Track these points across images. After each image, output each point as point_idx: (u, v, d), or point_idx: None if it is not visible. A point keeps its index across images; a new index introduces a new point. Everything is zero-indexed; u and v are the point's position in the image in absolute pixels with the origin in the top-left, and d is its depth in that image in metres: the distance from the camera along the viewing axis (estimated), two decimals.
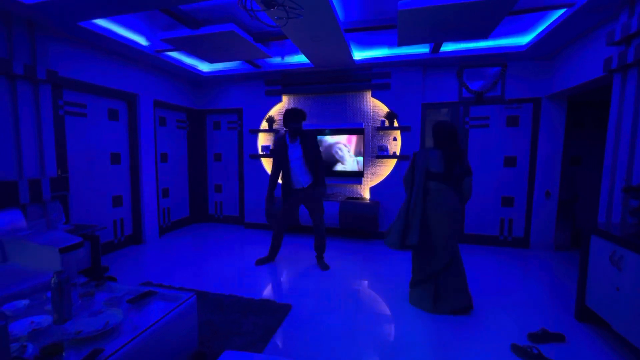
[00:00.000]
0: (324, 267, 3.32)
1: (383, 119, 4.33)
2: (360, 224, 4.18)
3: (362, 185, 4.54)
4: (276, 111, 4.83)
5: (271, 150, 3.28)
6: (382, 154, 4.34)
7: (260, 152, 4.90)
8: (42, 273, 2.16)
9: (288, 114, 3.17)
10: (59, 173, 3.13)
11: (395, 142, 4.34)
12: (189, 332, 1.77)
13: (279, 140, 3.32)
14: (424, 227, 2.43)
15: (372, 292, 2.80)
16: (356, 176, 4.41)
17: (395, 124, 4.25)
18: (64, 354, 1.22)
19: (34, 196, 2.77)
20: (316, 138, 3.33)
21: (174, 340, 1.63)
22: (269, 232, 4.83)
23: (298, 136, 3.24)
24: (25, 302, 1.62)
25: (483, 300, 2.62)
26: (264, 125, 4.87)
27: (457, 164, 2.38)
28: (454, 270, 2.41)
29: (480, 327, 2.22)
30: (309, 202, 3.32)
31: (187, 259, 3.65)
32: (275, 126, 4.83)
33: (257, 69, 4.40)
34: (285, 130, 3.38)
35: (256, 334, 2.06)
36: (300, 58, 4.22)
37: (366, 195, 4.53)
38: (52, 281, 1.46)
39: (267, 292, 2.79)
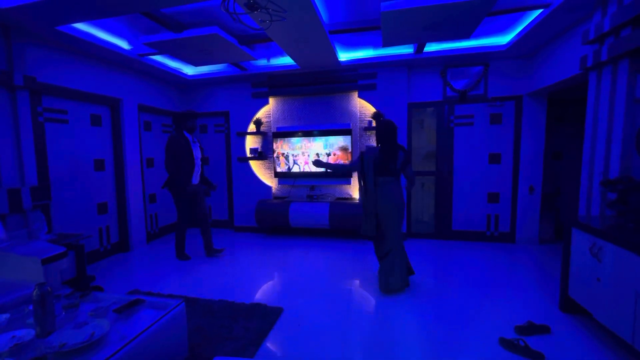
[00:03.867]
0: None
1: (370, 119, 4.37)
2: (350, 224, 4.20)
3: (351, 185, 4.56)
4: (263, 113, 4.81)
5: (171, 145, 3.50)
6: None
7: (248, 154, 4.87)
8: (24, 285, 2.10)
9: (188, 114, 3.56)
10: (40, 182, 3.04)
11: None
12: (179, 340, 1.75)
13: (180, 137, 3.53)
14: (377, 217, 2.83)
15: (363, 291, 2.82)
16: (345, 177, 4.43)
17: None
18: None
19: (13, 206, 2.69)
20: None
21: (163, 349, 1.61)
22: (259, 235, 4.80)
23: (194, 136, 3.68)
24: (5, 316, 1.57)
25: (472, 294, 2.67)
26: (252, 127, 4.84)
27: (394, 157, 2.71)
28: (397, 253, 2.74)
29: (469, 321, 2.27)
30: (201, 196, 3.74)
31: (175, 265, 3.60)
32: (262, 128, 4.82)
33: (243, 71, 4.38)
34: (174, 132, 3.68)
35: (247, 338, 2.05)
36: (286, 60, 4.22)
37: (355, 195, 4.55)
38: (34, 294, 1.42)
39: (258, 295, 2.78)
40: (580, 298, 2.17)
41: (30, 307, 1.68)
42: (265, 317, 2.33)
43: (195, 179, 3.68)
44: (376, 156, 2.73)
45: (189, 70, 4.59)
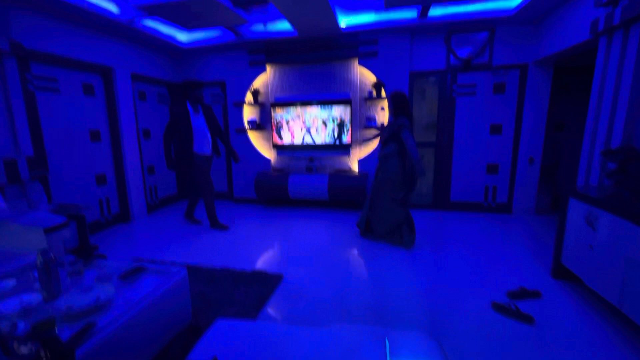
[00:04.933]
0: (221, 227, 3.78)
1: (370, 88, 4.26)
2: (349, 195, 4.22)
3: (350, 157, 4.53)
4: (261, 83, 4.68)
5: (171, 117, 3.47)
6: (370, 124, 4.30)
7: (246, 125, 4.79)
8: (27, 255, 2.14)
9: (190, 84, 3.42)
10: (36, 152, 3.01)
11: (382, 112, 4.30)
12: (182, 305, 1.81)
13: (179, 108, 3.45)
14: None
15: (361, 260, 2.88)
16: (344, 148, 4.39)
17: (383, 94, 4.19)
18: (56, 329, 1.24)
19: (11, 177, 2.68)
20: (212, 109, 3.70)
21: (167, 313, 1.67)
22: (259, 206, 4.84)
23: (199, 105, 3.53)
24: (12, 282, 1.61)
25: (467, 262, 2.74)
26: (249, 97, 4.73)
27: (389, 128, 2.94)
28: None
29: (464, 287, 2.34)
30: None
31: (177, 235, 3.66)
32: (260, 99, 4.71)
33: (239, 37, 4.20)
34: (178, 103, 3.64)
35: (249, 303, 2.13)
36: (284, 25, 4.04)
37: (355, 167, 4.54)
38: (38, 260, 1.44)
39: (258, 264, 2.85)
40: (572, 265, 2.23)
41: (36, 274, 1.72)
42: (265, 283, 2.40)
43: (206, 149, 3.61)
44: (409, 127, 2.91)
45: (182, 36, 4.40)
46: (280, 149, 4.67)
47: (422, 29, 3.93)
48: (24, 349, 0.72)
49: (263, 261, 2.92)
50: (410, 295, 2.27)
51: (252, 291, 2.28)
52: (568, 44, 3.00)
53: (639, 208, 1.74)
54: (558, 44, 3.18)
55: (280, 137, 4.60)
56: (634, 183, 2.05)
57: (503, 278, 2.46)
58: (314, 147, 4.49)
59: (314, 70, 4.45)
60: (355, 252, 3.06)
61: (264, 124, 4.78)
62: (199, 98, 3.49)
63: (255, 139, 4.89)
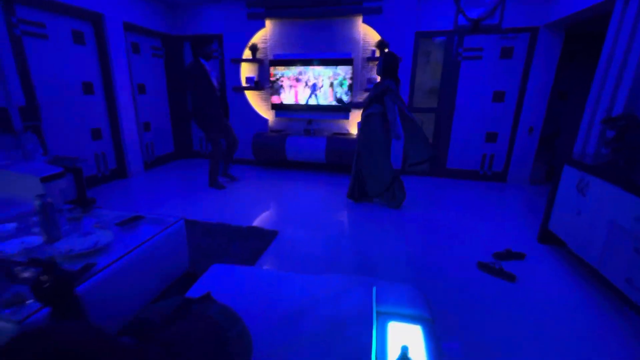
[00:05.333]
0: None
1: (374, 48, 4.09)
2: (346, 159, 4.21)
3: (349, 121, 4.47)
4: (260, 38, 4.48)
5: (191, 76, 3.33)
6: (370, 87, 4.19)
7: (244, 84, 4.66)
8: (26, 202, 2.16)
9: (203, 39, 3.34)
10: (28, 102, 2.94)
11: None
12: (179, 253, 1.87)
13: (198, 66, 3.33)
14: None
15: (354, 220, 2.95)
16: (343, 111, 4.31)
17: None
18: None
19: (3, 126, 2.63)
20: None
21: (164, 259, 1.73)
22: (256, 167, 4.85)
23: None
24: (13, 224, 1.64)
25: (458, 226, 2.82)
26: (247, 54, 4.54)
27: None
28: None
29: (453, 247, 2.43)
30: (227, 124, 3.77)
31: (174, 192, 3.70)
32: (259, 55, 4.53)
33: None
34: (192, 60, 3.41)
35: (244, 255, 2.20)
36: None
37: (353, 131, 4.49)
38: (35, 204, 1.47)
39: (255, 221, 2.91)
40: (558, 230, 2.30)
41: (35, 219, 1.75)
42: (261, 238, 2.47)
43: (221, 109, 3.61)
44: (396, 89, 2.92)
45: None
46: (278, 109, 4.58)
47: None
48: (25, 274, 0.75)
49: (259, 219, 2.98)
50: (399, 253, 2.36)
51: (247, 245, 2.35)
52: (582, 6, 2.85)
53: (631, 175, 1.76)
54: (572, 5, 3.02)
55: (279, 97, 4.49)
56: (630, 151, 2.06)
57: (491, 241, 2.55)
58: (313, 109, 4.41)
59: (315, 26, 4.24)
60: (348, 212, 3.13)
61: (262, 82, 4.64)
62: (209, 55, 3.39)
63: (253, 98, 4.77)
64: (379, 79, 3.07)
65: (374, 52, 4.08)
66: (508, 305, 1.79)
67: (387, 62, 2.93)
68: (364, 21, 4.04)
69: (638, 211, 1.56)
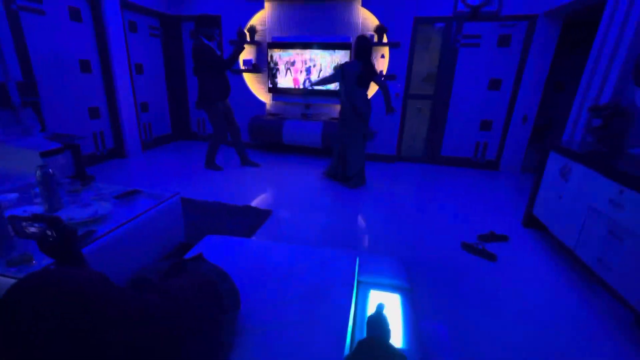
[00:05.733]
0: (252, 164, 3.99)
1: (372, 33, 4.08)
2: None
3: None
4: (258, 20, 4.45)
5: (210, 54, 3.33)
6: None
7: (242, 66, 4.65)
8: (24, 176, 2.22)
9: (206, 17, 3.30)
10: (25, 78, 2.95)
11: (382, 59, 4.18)
12: (175, 227, 1.95)
13: (207, 46, 3.33)
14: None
15: (345, 201, 3.03)
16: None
17: (385, 40, 4.03)
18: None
19: (2, 101, 2.66)
20: None
21: (161, 232, 1.81)
22: (253, 150, 4.89)
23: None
24: (15, 195, 1.71)
25: (446, 210, 2.91)
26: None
27: (372, 70, 3.11)
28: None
29: (440, 229, 2.52)
30: (230, 109, 3.73)
31: (172, 171, 3.76)
32: (257, 37, 4.51)
33: None
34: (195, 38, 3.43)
35: (239, 232, 2.29)
36: None
37: None
38: (37, 174, 1.53)
39: (250, 201, 2.99)
40: (541, 214, 2.40)
41: (36, 190, 1.81)
42: (255, 216, 2.55)
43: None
44: (360, 69, 3.05)
45: None
46: (276, 92, 4.59)
47: None
48: (32, 229, 0.82)
49: (254, 199, 3.06)
50: (387, 232, 2.45)
51: (243, 222, 2.44)
52: None
53: (612, 161, 1.84)
54: None
55: (277, 81, 4.49)
56: (613, 139, 2.12)
57: (476, 224, 2.64)
58: (310, 92, 4.42)
59: (314, 9, 4.21)
60: (340, 194, 3.20)
61: (260, 65, 4.63)
62: (211, 36, 3.35)
63: (250, 81, 4.77)
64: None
65: (372, 36, 4.07)
66: (487, 282, 1.89)
67: (360, 45, 3.07)
68: (363, 5, 4.01)
69: (613, 194, 1.65)
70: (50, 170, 1.55)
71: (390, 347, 0.72)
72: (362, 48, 3.06)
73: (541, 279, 1.95)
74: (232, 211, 2.63)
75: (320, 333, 0.99)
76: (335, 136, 3.46)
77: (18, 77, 2.79)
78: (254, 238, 2.27)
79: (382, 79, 3.98)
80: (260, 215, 2.58)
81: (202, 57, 3.30)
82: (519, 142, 4.11)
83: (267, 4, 4.34)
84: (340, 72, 3.17)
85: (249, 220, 2.47)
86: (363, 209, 2.91)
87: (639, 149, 1.91)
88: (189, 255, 1.35)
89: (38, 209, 1.59)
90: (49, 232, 0.81)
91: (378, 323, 0.85)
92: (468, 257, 2.15)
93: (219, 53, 3.45)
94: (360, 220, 2.69)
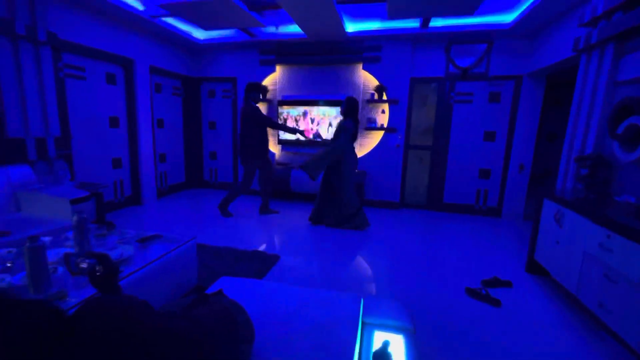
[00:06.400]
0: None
1: (373, 91, 4.50)
2: None
3: None
4: (270, 81, 4.95)
5: (261, 114, 3.84)
6: (371, 125, 4.54)
7: None
8: (55, 221, 2.41)
9: (258, 86, 3.78)
10: (62, 133, 3.30)
11: (383, 114, 4.54)
12: (190, 269, 2.07)
13: (256, 107, 3.80)
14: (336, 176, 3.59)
15: (351, 246, 3.12)
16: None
17: (384, 97, 4.43)
18: None
19: (40, 154, 2.97)
20: None
21: (177, 273, 1.93)
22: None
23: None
24: (48, 238, 1.88)
25: (451, 256, 2.97)
26: None
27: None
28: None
29: (445, 275, 2.57)
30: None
31: (185, 218, 3.93)
32: (268, 96, 4.97)
33: (252, 37, 4.47)
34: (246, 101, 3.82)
35: (249, 275, 2.38)
36: (295, 28, 4.30)
37: None
38: (73, 219, 1.71)
39: (259, 246, 3.10)
40: (542, 259, 2.46)
41: (68, 234, 1.98)
42: (264, 261, 2.65)
43: None
44: (354, 127, 3.55)
45: (199, 34, 4.68)
46: (284, 144, 4.93)
47: (424, 38, 4.17)
48: (83, 265, 0.97)
49: (263, 244, 3.17)
50: (392, 276, 2.51)
51: (252, 266, 2.53)
52: (556, 59, 3.22)
53: (597, 208, 1.96)
54: (547, 58, 3.40)
55: (285, 134, 4.85)
56: (600, 187, 2.27)
57: (481, 270, 2.69)
58: (316, 144, 4.74)
59: (320, 72, 4.71)
60: (345, 239, 3.30)
61: None
62: (257, 99, 3.80)
63: None
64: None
65: (372, 94, 4.49)
66: (491, 327, 1.91)
67: (349, 104, 3.52)
68: (364, 68, 4.49)
69: (601, 238, 1.75)
70: (84, 215, 1.74)
71: None
72: (353, 107, 3.52)
73: (546, 324, 1.97)
74: (242, 256, 2.73)
75: None
76: (322, 183, 3.72)
77: (57, 133, 3.13)
78: (263, 280, 2.34)
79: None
80: (269, 260, 2.67)
81: (254, 117, 3.72)
82: (518, 190, 4.26)
83: (278, 68, 4.86)
84: (348, 130, 3.53)
85: (258, 265, 2.57)
86: (368, 254, 2.99)
87: (624, 196, 2.04)
88: (209, 291, 1.46)
89: (70, 251, 1.74)
90: (97, 267, 0.96)
91: (383, 357, 0.94)
92: (472, 302, 2.18)
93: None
94: (365, 265, 2.76)
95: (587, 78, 2.62)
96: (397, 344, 1.32)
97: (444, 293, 2.29)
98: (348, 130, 3.51)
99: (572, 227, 2.08)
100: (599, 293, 1.78)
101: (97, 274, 0.96)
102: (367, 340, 1.31)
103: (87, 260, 0.97)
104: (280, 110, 4.78)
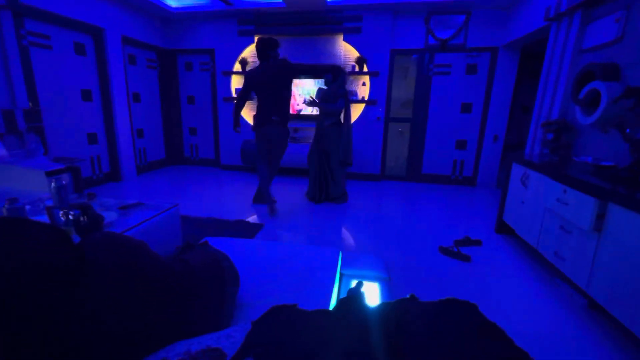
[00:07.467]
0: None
1: (353, 63, 4.49)
2: None
3: None
4: (249, 53, 4.83)
5: (296, 69, 3.03)
6: (352, 98, 4.56)
7: (234, 95, 4.97)
8: (32, 193, 2.36)
9: (272, 40, 2.92)
10: (31, 105, 3.16)
11: (364, 87, 4.56)
12: (174, 236, 2.11)
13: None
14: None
15: (331, 214, 3.23)
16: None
17: (365, 69, 4.44)
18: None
19: (9, 126, 2.85)
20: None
21: (161, 240, 1.96)
22: (245, 173, 5.11)
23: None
24: (28, 207, 1.86)
25: (427, 221, 3.14)
26: (237, 67, 4.88)
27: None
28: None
29: (420, 236, 2.73)
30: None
31: (166, 193, 3.91)
32: (248, 68, 4.87)
33: (229, 6, 4.31)
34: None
35: None
36: None
37: None
38: (51, 186, 1.70)
39: (243, 216, 3.15)
40: (509, 219, 2.64)
41: (47, 202, 1.97)
42: (248, 229, 2.72)
43: None
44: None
45: (172, 1, 4.46)
46: None
47: (404, 8, 4.15)
48: (70, 216, 1.00)
49: (246, 214, 3.23)
50: (371, 239, 2.64)
51: (236, 234, 2.60)
52: (529, 29, 3.31)
53: (558, 168, 2.12)
54: (522, 29, 3.49)
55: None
56: (563, 150, 2.43)
57: (454, 232, 2.86)
58: (297, 117, 4.74)
59: (301, 43, 4.63)
60: (326, 209, 3.41)
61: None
62: (277, 57, 2.98)
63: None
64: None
65: (353, 66, 4.48)
66: (461, 279, 2.08)
67: (342, 72, 3.35)
68: (345, 39, 4.45)
69: (559, 194, 1.91)
70: (64, 182, 1.73)
71: (366, 304, 0.88)
72: (344, 78, 3.40)
73: (509, 275, 2.16)
74: (225, 224, 2.79)
75: (306, 305, 1.16)
76: (312, 159, 3.58)
77: (25, 105, 3.00)
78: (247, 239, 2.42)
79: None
80: (253, 229, 2.74)
81: (294, 71, 2.96)
82: (492, 160, 4.46)
83: (257, 38, 4.73)
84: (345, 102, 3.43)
85: (242, 232, 2.64)
86: (348, 220, 3.11)
87: (582, 157, 2.20)
88: None
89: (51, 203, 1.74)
90: (81, 218, 0.99)
91: (356, 290, 1.03)
92: (445, 259, 2.34)
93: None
94: (345, 231, 2.88)
95: (555, 46, 2.72)
96: (373, 291, 1.44)
97: (419, 251, 2.44)
98: (346, 96, 3.37)
99: (535, 187, 2.24)
100: (555, 244, 1.96)
101: (82, 223, 0.99)
102: (344, 289, 1.42)
103: (71, 212, 1.00)
104: None
